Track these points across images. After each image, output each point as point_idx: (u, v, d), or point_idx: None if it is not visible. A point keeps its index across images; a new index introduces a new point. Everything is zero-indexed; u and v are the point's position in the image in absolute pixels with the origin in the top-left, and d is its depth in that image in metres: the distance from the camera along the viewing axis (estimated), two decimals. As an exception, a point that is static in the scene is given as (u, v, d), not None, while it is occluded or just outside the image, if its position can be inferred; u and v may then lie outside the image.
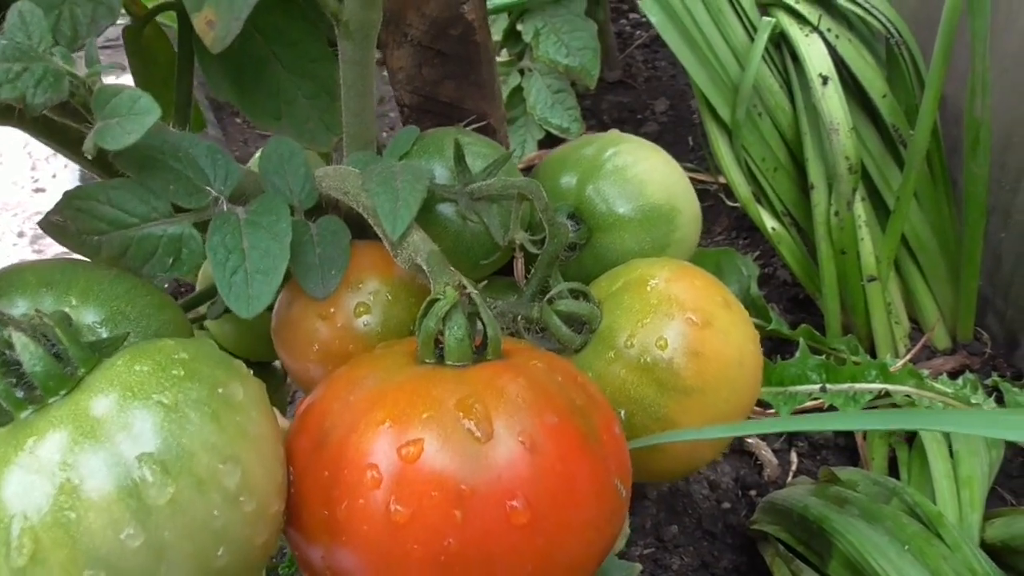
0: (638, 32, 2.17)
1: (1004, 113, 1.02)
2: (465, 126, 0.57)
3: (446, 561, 0.32)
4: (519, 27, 1.52)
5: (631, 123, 1.85)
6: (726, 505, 1.06)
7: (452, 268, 0.40)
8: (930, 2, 1.05)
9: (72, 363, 0.32)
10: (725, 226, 1.52)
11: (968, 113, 0.96)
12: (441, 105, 0.58)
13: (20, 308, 0.38)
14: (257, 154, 0.82)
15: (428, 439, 0.33)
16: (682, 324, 0.44)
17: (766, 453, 1.10)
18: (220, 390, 0.32)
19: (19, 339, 0.31)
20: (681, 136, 1.79)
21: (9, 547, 0.28)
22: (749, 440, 1.11)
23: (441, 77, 0.57)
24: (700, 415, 0.43)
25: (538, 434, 0.34)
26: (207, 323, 0.64)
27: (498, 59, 1.57)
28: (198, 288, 0.64)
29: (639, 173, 0.53)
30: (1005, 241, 1.08)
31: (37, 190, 1.95)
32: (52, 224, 0.41)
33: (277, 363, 0.73)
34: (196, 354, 0.33)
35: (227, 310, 0.56)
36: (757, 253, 1.43)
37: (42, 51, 0.37)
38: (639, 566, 0.81)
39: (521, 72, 1.60)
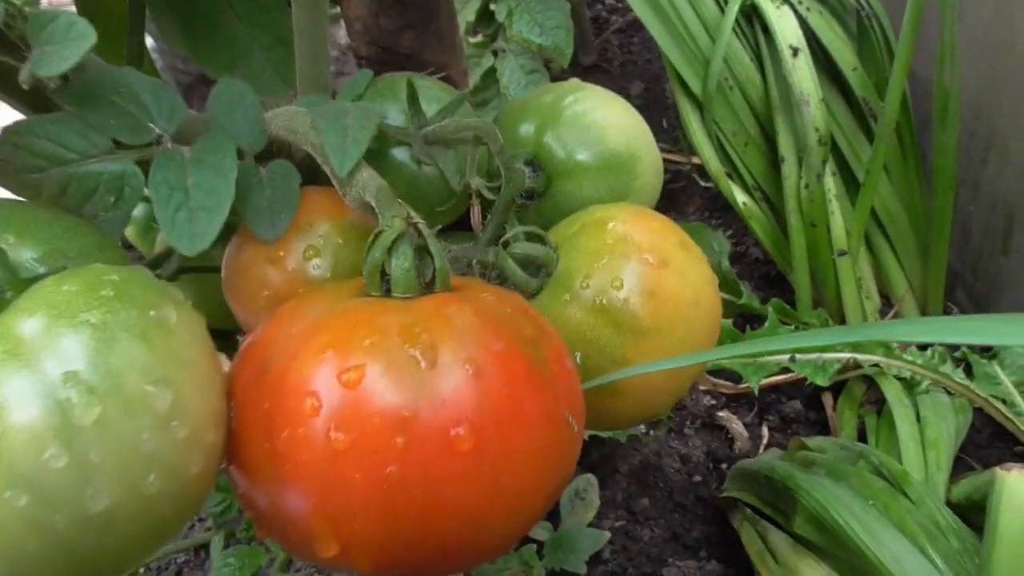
0: (613, 17, 2.17)
1: (973, 82, 1.02)
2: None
3: (388, 488, 0.31)
4: (492, 7, 1.51)
5: (606, 106, 1.84)
6: (697, 478, 1.06)
7: (401, 202, 0.39)
8: (901, -24, 1.05)
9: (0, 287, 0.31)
10: (698, 206, 1.52)
11: (938, 82, 0.96)
12: (400, 57, 0.57)
13: (-47, 243, 0.36)
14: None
15: (370, 365, 0.32)
16: (638, 264, 0.43)
17: (737, 426, 1.10)
18: (152, 312, 0.32)
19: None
20: (655, 118, 1.79)
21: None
22: (720, 414, 1.11)
23: (399, 27, 0.56)
24: (657, 356, 0.43)
25: (484, 361, 0.33)
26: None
27: (471, 40, 1.56)
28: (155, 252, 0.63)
29: (599, 120, 0.53)
30: (974, 214, 1.09)
31: None
32: (-9, 163, 0.39)
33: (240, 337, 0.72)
34: (128, 277, 0.32)
35: (182, 271, 0.55)
36: (730, 232, 1.44)
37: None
38: (607, 533, 0.81)
39: (494, 53, 1.59)
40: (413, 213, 0.38)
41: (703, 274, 0.46)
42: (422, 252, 0.38)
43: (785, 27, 1.09)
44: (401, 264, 0.36)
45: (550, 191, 0.52)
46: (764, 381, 0.99)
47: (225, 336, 0.73)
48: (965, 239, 1.11)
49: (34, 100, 0.46)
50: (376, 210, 0.39)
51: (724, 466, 1.08)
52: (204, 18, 0.53)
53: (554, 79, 1.78)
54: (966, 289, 1.13)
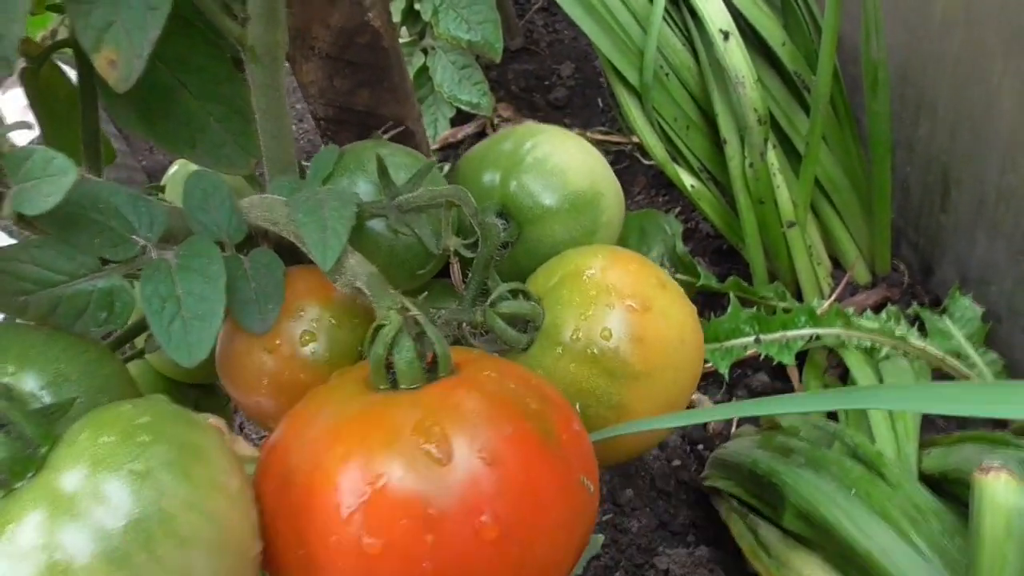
0: (536, -4, 2.17)
1: (897, 50, 1.05)
2: (384, 132, 0.56)
3: (424, 584, 0.33)
4: (416, 6, 1.50)
5: (539, 90, 1.85)
6: (676, 463, 1.09)
7: (392, 290, 0.40)
8: (818, -53, 1.08)
9: (32, 444, 0.32)
10: (643, 185, 1.54)
11: (865, 55, 0.99)
12: (357, 114, 0.57)
13: (-45, 383, 0.37)
14: (171, 169, 0.80)
15: (391, 468, 0.33)
16: (623, 312, 0.45)
17: (708, 406, 1.13)
18: (186, 447, 0.32)
19: (-29, 430, 0.31)
20: (590, 99, 1.80)
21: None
22: (692, 396, 1.14)
23: (354, 86, 0.56)
24: (650, 397, 0.45)
25: (497, 447, 0.35)
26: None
27: (399, 40, 1.55)
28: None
29: (559, 163, 0.54)
30: (911, 174, 1.12)
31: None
32: (-27, 289, 0.39)
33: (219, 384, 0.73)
34: (157, 415, 0.33)
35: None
36: (678, 209, 1.46)
37: (-60, 118, 0.35)
38: (601, 537, 0.83)
39: (424, 51, 1.59)
40: (408, 302, 0.39)
41: (684, 309, 0.47)
42: (421, 337, 0.39)
43: (713, 11, 1.11)
44: (404, 358, 0.37)
45: (521, 237, 0.54)
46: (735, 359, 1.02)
47: (210, 389, 0.74)
48: (905, 199, 1.15)
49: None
50: (370, 298, 0.40)
51: (700, 447, 1.11)
52: (157, 99, 0.52)
53: (485, 68, 1.78)
54: (911, 246, 1.18)
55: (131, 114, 0.51)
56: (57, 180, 0.35)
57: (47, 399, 0.37)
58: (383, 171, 0.47)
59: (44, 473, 0.31)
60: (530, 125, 0.57)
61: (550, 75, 1.90)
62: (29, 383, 0.38)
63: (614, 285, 0.46)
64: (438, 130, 1.63)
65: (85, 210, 0.40)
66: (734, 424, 1.09)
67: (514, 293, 0.48)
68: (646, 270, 0.48)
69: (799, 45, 1.15)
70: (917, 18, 1.02)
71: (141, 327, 0.58)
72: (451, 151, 1.73)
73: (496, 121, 1.85)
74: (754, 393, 1.14)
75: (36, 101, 0.55)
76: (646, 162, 1.52)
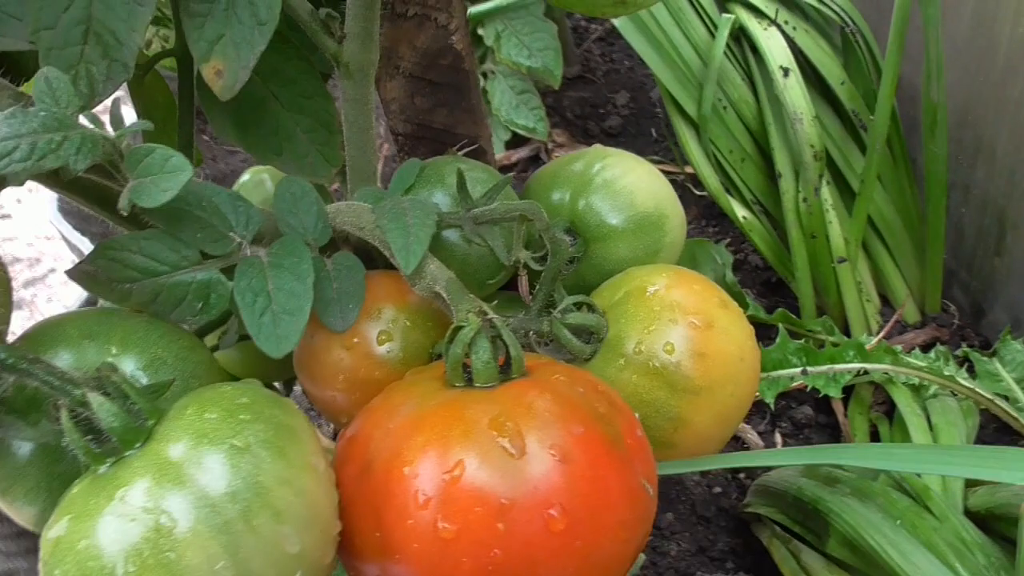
0: (593, 25, 2.20)
1: (958, 93, 1.06)
2: (458, 150, 0.59)
3: (493, 570, 0.35)
4: (480, 31, 1.54)
5: (594, 118, 1.88)
6: (717, 489, 1.10)
7: (471, 294, 0.43)
8: (881, -11, 1.09)
9: (140, 416, 0.35)
10: (695, 215, 1.55)
11: (925, 97, 1.00)
12: (434, 131, 0.60)
13: (64, 360, 0.39)
14: (243, 177, 0.84)
15: (467, 459, 0.36)
16: (686, 328, 0.47)
17: (752, 436, 1.13)
18: (282, 428, 0.35)
19: (95, 399, 0.34)
20: (644, 128, 1.82)
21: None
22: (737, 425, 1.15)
23: (433, 105, 0.59)
24: (709, 411, 0.47)
25: (567, 445, 0.37)
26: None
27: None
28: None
29: (627, 184, 0.56)
30: (966, 216, 1.13)
31: (2, 216, 1.94)
32: (82, 272, 0.42)
33: (277, 384, 0.75)
34: (255, 397, 0.36)
35: (240, 338, 0.58)
36: (728, 240, 1.47)
37: (71, 115, 0.39)
38: (642, 556, 0.84)
39: (484, 75, 1.62)
40: (485, 306, 0.41)
41: (744, 329, 0.49)
42: (496, 340, 0.41)
43: (774, 48, 1.13)
44: (481, 358, 0.40)
45: (587, 254, 0.56)
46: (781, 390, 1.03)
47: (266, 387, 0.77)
48: (959, 240, 1.15)
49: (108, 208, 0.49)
50: (448, 301, 0.42)
51: (742, 475, 1.11)
52: (250, 108, 0.56)
53: (541, 94, 1.82)
54: (963, 288, 1.17)
55: (226, 122, 0.55)
56: (174, 176, 0.38)
57: (144, 380, 0.40)
58: (462, 184, 0.49)
59: (152, 444, 0.34)
60: (600, 148, 0.60)
61: (605, 103, 1.93)
62: (129, 365, 0.41)
63: (677, 302, 0.48)
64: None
65: (191, 207, 0.43)
66: (777, 455, 1.09)
67: (579, 306, 0.50)
68: (709, 290, 0.50)
69: (858, 84, 1.16)
70: (979, 63, 1.03)
71: (215, 324, 0.62)
72: (504, 173, 1.76)
73: (550, 146, 1.88)
74: (797, 425, 1.15)
75: (138, 106, 0.58)
76: (698, 192, 1.53)
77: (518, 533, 0.35)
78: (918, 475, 0.67)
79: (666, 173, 1.80)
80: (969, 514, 0.72)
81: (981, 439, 1.00)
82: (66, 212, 1.18)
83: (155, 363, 0.41)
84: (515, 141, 1.73)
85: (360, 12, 0.46)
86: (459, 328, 0.41)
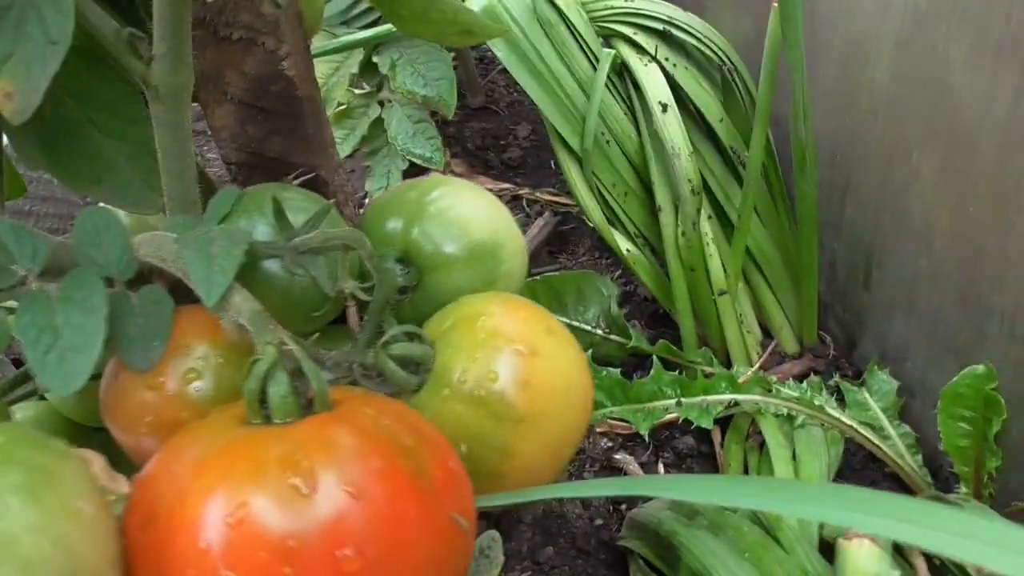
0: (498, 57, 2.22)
1: (829, 134, 1.09)
2: (294, 179, 0.57)
3: (281, 620, 0.33)
4: (375, 59, 1.53)
5: (494, 149, 1.88)
6: (599, 522, 1.09)
7: (274, 325, 0.41)
8: (761, 31, 1.12)
9: None
10: (588, 247, 1.56)
11: (794, 136, 1.02)
12: (269, 161, 0.58)
13: None
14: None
15: (252, 500, 0.34)
16: (510, 355, 0.46)
17: (634, 468, 1.14)
18: (37, 470, 0.32)
19: None
20: (544, 160, 1.83)
21: None
22: (617, 456, 1.15)
23: (267, 133, 0.57)
24: (536, 440, 0.46)
25: (363, 481, 0.35)
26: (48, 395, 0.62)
27: (357, 91, 1.58)
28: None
29: (462, 213, 0.56)
30: (839, 251, 1.16)
31: None
32: None
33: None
34: (9, 438, 0.33)
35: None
36: (619, 272, 1.49)
37: None
38: (509, 592, 0.83)
39: (380, 104, 1.61)
40: (286, 337, 0.40)
41: (572, 356, 0.49)
42: (298, 374, 0.39)
43: (654, 83, 1.15)
44: (278, 392, 0.38)
45: (422, 283, 0.55)
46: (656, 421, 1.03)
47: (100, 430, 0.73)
48: (833, 275, 1.18)
49: None
50: (252, 334, 0.41)
51: (623, 507, 1.11)
52: (63, 133, 0.53)
53: (443, 124, 1.81)
54: (837, 320, 1.20)
55: (33, 147, 0.52)
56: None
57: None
58: (279, 212, 0.48)
59: None
60: (437, 176, 0.59)
61: (506, 135, 1.94)
62: None
63: (503, 329, 0.47)
64: (391, 181, 1.65)
65: (-34, 239, 0.40)
66: (656, 487, 1.09)
67: (411, 336, 0.49)
68: (536, 317, 0.49)
69: (736, 122, 1.19)
70: (847, 105, 1.06)
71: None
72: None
73: (448, 175, 1.88)
74: (679, 455, 1.15)
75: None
76: (591, 224, 1.54)
77: (307, 576, 0.33)
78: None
79: (562, 205, 1.81)
80: (825, 543, 0.73)
81: (850, 465, 1.02)
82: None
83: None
84: (413, 170, 1.73)
85: (167, 32, 0.44)
86: (256, 361, 0.39)
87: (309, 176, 0.58)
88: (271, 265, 0.49)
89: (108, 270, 0.44)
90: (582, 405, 0.50)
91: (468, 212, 0.56)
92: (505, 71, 2.19)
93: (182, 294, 0.48)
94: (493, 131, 1.96)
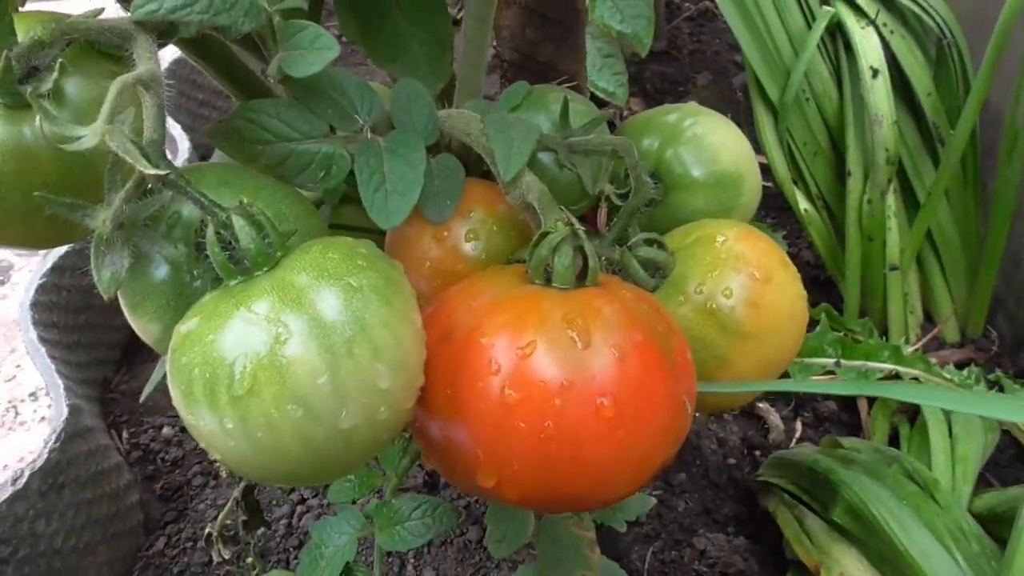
0: (687, 3, 2.21)
1: (1040, 125, 1.07)
2: (559, 84, 0.63)
3: (544, 439, 0.40)
4: (578, -11, 1.56)
5: (672, 94, 1.90)
6: (731, 461, 1.14)
7: (560, 207, 0.47)
8: (987, 7, 1.10)
9: (272, 246, 0.40)
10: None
11: (1010, 121, 1.01)
12: (538, 64, 0.64)
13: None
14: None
15: (539, 341, 0.41)
16: (746, 278, 0.51)
17: (774, 418, 1.17)
18: (391, 280, 0.40)
19: (238, 221, 0.39)
20: (720, 112, 1.83)
21: (232, 380, 0.35)
22: (760, 405, 1.19)
23: (542, 38, 0.63)
24: (753, 357, 0.51)
25: (627, 347, 0.41)
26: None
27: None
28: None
29: (714, 142, 0.60)
30: (1024, 246, 1.15)
31: None
32: (219, 130, 0.47)
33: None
34: (371, 250, 0.41)
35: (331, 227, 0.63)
36: (784, 233, 1.50)
37: (239, -16, 0.43)
38: (653, 499, 0.89)
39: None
40: (573, 219, 0.46)
41: (798, 290, 0.53)
42: (577, 250, 0.46)
43: (868, 47, 1.15)
44: (563, 261, 0.44)
45: (666, 200, 0.60)
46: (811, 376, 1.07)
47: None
48: (1014, 268, 1.17)
49: (243, 85, 0.54)
50: (538, 211, 0.47)
51: (757, 453, 1.16)
52: (375, 13, 0.60)
53: (626, 62, 1.83)
54: (1007, 315, 1.19)
55: (351, 21, 0.59)
56: (321, 53, 0.43)
57: (269, 230, 0.45)
58: (565, 111, 0.53)
59: (279, 270, 0.39)
60: (694, 105, 0.64)
61: (686, 81, 1.95)
62: None
63: (742, 254, 0.52)
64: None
65: (324, 86, 0.47)
66: (794, 439, 1.13)
67: (651, 243, 0.54)
68: (773, 248, 0.54)
69: (944, 98, 1.18)
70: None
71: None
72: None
73: (625, 114, 1.90)
74: (820, 417, 1.18)
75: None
76: (766, 182, 1.55)
77: (571, 411, 0.40)
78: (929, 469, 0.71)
79: (736, 158, 1.80)
80: (973, 516, 0.76)
81: (996, 461, 1.03)
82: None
83: (279, 217, 0.45)
84: (593, 102, 1.76)
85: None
86: (547, 233, 0.45)
87: (571, 84, 0.63)
88: (544, 156, 0.55)
89: (416, 133, 0.51)
90: (799, 334, 0.55)
91: (720, 142, 0.60)
92: (691, 19, 2.18)
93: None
94: (672, 76, 1.97)
